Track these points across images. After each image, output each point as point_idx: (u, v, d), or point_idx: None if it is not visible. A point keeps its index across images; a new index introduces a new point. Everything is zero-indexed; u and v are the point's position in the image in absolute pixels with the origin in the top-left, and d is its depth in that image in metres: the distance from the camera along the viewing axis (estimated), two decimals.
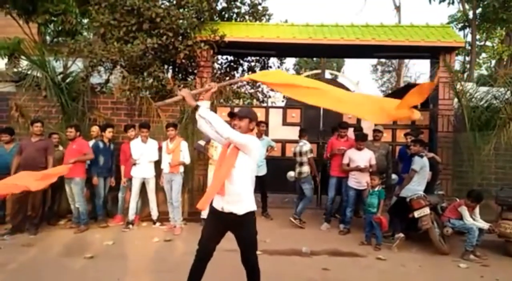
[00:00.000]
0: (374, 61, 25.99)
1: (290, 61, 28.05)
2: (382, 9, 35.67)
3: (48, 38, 10.34)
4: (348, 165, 6.38)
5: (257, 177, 6.49)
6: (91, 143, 6.64)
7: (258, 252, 4.78)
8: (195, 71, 8.46)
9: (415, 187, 5.67)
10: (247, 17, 10.28)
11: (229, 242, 3.43)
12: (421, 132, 7.45)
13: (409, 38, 7.85)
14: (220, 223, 3.26)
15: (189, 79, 8.62)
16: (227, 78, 9.73)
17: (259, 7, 10.48)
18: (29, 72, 7.55)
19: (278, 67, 11.30)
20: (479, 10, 15.05)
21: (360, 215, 6.74)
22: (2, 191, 4.30)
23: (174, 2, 8.05)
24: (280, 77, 3.55)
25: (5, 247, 5.30)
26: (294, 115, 8.28)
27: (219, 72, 9.97)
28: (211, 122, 3.03)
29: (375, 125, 7.62)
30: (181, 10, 7.71)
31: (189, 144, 6.65)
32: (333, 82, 9.15)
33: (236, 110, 3.71)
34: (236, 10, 10.08)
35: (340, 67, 26.73)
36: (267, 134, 7.47)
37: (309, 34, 8.08)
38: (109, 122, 7.31)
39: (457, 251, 5.43)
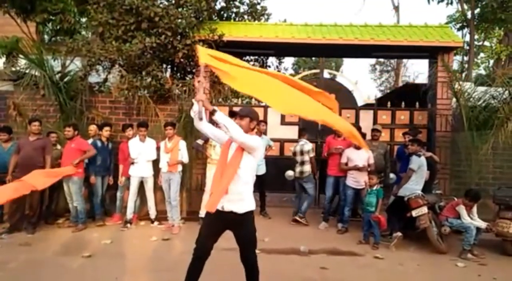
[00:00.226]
0: (372, 60, 26.07)
1: (288, 61, 28.10)
2: (380, 9, 35.65)
3: (46, 37, 10.31)
4: (346, 164, 6.38)
5: (256, 177, 6.49)
6: (89, 142, 6.62)
7: (256, 251, 4.81)
8: (194, 71, 8.46)
9: (413, 186, 5.68)
10: (246, 16, 10.30)
11: (227, 241, 3.44)
12: (419, 131, 7.47)
13: (408, 38, 7.86)
14: (219, 222, 3.26)
15: (187, 78, 8.61)
16: None
17: (258, 7, 10.50)
18: (27, 71, 7.54)
19: (277, 66, 11.31)
20: (477, 10, 15.08)
21: (359, 217, 6.74)
22: (12, 195, 4.16)
23: (173, 1, 8.05)
24: (231, 62, 3.47)
25: (3, 246, 5.29)
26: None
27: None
28: (227, 126, 3.06)
29: (374, 124, 7.66)
30: (179, 10, 7.71)
31: (187, 143, 6.65)
32: (331, 81, 9.16)
33: (235, 109, 3.71)
34: (235, 10, 10.09)
35: (339, 66, 26.78)
36: (265, 134, 7.48)
37: (308, 34, 8.09)
38: (106, 121, 7.31)
39: (454, 250, 5.44)
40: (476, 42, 16.83)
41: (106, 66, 8.51)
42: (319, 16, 45.08)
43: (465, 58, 17.48)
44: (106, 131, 6.79)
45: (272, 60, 11.16)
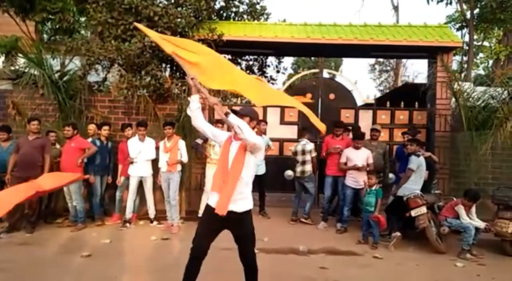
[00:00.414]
0: (372, 60, 26.06)
1: (288, 60, 28.08)
2: (380, 9, 35.73)
3: (45, 36, 10.30)
4: (345, 164, 6.38)
5: (256, 176, 6.50)
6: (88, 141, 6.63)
7: (255, 251, 4.81)
8: None
9: (412, 186, 5.69)
10: (245, 16, 10.29)
11: (227, 241, 3.44)
12: (419, 131, 7.47)
13: (407, 38, 7.87)
14: (217, 222, 3.24)
15: (186, 78, 8.59)
16: None
17: (257, 6, 10.49)
18: (26, 70, 7.53)
19: (276, 66, 11.31)
20: (476, 11, 15.11)
21: (359, 218, 6.74)
22: (19, 199, 4.05)
23: (172, 0, 8.04)
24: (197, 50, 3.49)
25: (2, 245, 5.29)
26: (292, 114, 8.28)
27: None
28: (241, 128, 3.06)
29: (373, 124, 7.66)
30: (179, 9, 7.70)
31: (187, 143, 6.65)
32: (331, 81, 9.16)
33: (234, 108, 3.71)
34: (234, 9, 10.08)
35: (338, 66, 26.77)
36: (265, 133, 7.48)
37: (307, 34, 8.09)
38: (105, 120, 7.30)
39: (453, 250, 5.45)
40: (475, 42, 16.86)
41: (105, 66, 8.50)
42: (318, 16, 45.13)
43: (465, 58, 17.51)
44: (105, 131, 6.79)
45: (271, 60, 11.16)
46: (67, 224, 6.33)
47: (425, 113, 8.20)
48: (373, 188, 5.80)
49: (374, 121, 8.06)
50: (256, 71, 11.00)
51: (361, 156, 6.28)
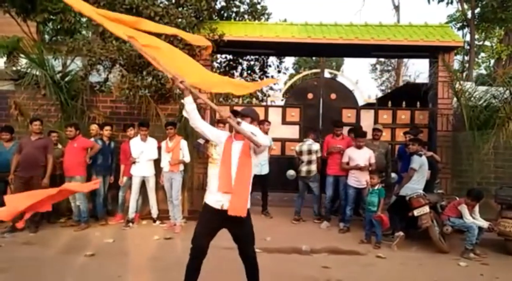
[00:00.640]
0: (373, 60, 26.03)
1: (289, 60, 28.00)
2: (381, 9, 35.68)
3: (46, 36, 10.30)
4: (347, 163, 6.38)
5: (259, 176, 6.58)
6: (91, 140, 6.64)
7: (258, 250, 4.80)
8: None
9: (415, 186, 5.69)
10: (246, 16, 10.30)
11: (228, 241, 3.46)
12: (421, 131, 7.47)
13: (408, 38, 7.86)
14: (216, 221, 3.27)
15: (174, 82, 8.59)
16: (226, 77, 9.72)
17: (258, 6, 10.50)
18: (28, 71, 7.54)
19: (277, 66, 11.33)
20: (477, 10, 15.10)
21: (360, 216, 6.74)
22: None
23: (173, 1, 8.04)
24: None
25: (6, 245, 5.30)
26: (294, 114, 8.28)
27: (218, 71, 9.97)
28: (255, 133, 3.14)
29: (375, 124, 7.66)
30: (180, 9, 7.70)
31: (189, 143, 6.65)
32: (332, 81, 9.16)
33: (236, 108, 3.72)
34: (235, 9, 10.09)
35: (339, 66, 26.74)
36: (267, 133, 7.48)
37: (308, 33, 8.09)
38: (107, 121, 7.31)
39: (457, 249, 5.45)
40: (476, 42, 16.84)
41: (107, 66, 8.50)
42: (319, 15, 45.15)
43: (466, 58, 17.50)
44: (106, 131, 6.80)
45: (272, 60, 11.19)
46: (70, 224, 6.34)
47: (427, 113, 8.19)
48: (376, 187, 5.80)
49: (375, 121, 8.05)
50: (257, 71, 11.03)
51: (363, 156, 6.28)
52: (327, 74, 8.89)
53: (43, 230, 5.99)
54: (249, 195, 3.31)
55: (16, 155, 6.02)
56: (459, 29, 16.69)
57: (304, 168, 6.79)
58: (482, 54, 19.32)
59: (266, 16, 10.64)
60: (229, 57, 10.60)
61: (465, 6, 15.71)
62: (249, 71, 10.98)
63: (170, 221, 6.39)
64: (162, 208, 6.69)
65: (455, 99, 7.66)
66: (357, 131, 6.59)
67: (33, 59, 7.38)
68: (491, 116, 6.96)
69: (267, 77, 11.15)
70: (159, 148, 6.54)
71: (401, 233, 5.60)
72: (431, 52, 8.09)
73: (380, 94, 17.28)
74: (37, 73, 7.33)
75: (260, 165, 6.88)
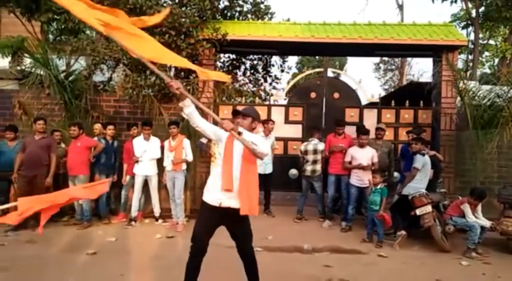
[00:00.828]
0: (376, 59, 25.93)
1: (292, 60, 28.02)
2: (384, 8, 35.60)
3: (51, 36, 10.38)
4: (350, 163, 6.37)
5: (263, 175, 6.60)
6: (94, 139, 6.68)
7: (259, 249, 4.83)
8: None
9: (417, 185, 5.68)
10: (249, 15, 10.30)
11: (229, 239, 3.48)
12: (424, 130, 7.43)
13: (412, 37, 7.83)
14: (215, 219, 3.31)
15: (191, 78, 8.63)
16: (229, 76, 9.73)
17: (261, 6, 10.50)
18: (32, 70, 7.60)
19: (281, 65, 11.32)
20: (482, 9, 15.01)
21: (363, 215, 6.73)
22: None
23: (177, 0, 8.06)
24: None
25: (9, 243, 5.34)
26: (297, 113, 8.28)
27: (221, 70, 9.99)
28: (256, 143, 3.19)
29: (378, 123, 7.65)
30: (183, 9, 7.72)
31: (191, 142, 6.67)
32: (335, 80, 9.16)
33: (238, 108, 3.73)
34: (238, 9, 10.09)
35: (343, 65, 26.70)
36: (270, 132, 7.48)
37: (312, 33, 8.08)
38: (110, 120, 7.34)
39: (459, 248, 5.43)
40: (480, 41, 16.75)
41: (111, 65, 8.55)
42: (322, 15, 45.00)
43: (470, 57, 17.42)
44: (109, 130, 6.84)
45: (275, 59, 11.18)
46: (73, 222, 6.38)
47: (430, 112, 8.15)
48: (378, 187, 5.79)
49: (379, 120, 8.03)
50: (260, 70, 11.03)
51: (366, 155, 6.27)
52: (330, 73, 8.90)
53: (46, 228, 5.89)
54: (258, 193, 3.34)
55: (19, 154, 6.07)
56: (463, 28, 16.61)
57: (309, 168, 6.78)
58: (486, 53, 19.21)
59: (269, 16, 10.64)
60: (232, 56, 10.61)
61: (469, 5, 15.61)
62: (252, 71, 11.00)
63: (173, 220, 6.42)
64: (165, 207, 6.72)
65: (458, 98, 7.63)
66: (360, 129, 6.58)
67: (37, 59, 7.44)
68: (495, 115, 6.93)
69: (270, 76, 11.16)
70: (162, 148, 6.56)
71: (403, 232, 5.59)
72: (435, 51, 8.06)
73: (383, 93, 17.29)
74: (41, 72, 7.39)
75: (264, 164, 6.90)
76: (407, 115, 8.18)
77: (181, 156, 6.33)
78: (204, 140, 6.52)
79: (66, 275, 4.24)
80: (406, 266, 4.85)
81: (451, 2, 15.18)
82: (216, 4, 8.63)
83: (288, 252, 5.23)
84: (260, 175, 6.47)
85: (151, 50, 3.29)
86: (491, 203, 6.22)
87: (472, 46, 15.58)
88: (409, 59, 21.67)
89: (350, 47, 8.28)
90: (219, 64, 10.28)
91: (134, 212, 6.44)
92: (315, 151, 6.74)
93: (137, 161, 6.44)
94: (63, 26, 9.13)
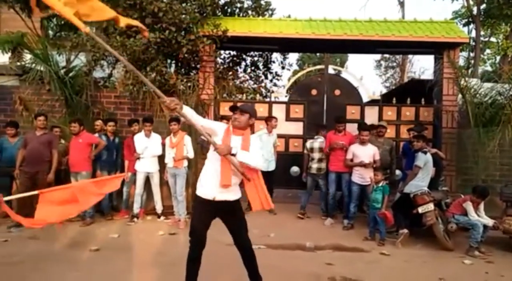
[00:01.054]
0: (377, 56, 25.84)
1: (293, 56, 27.92)
2: (385, 5, 35.50)
3: (50, 32, 10.35)
4: (351, 160, 6.36)
5: (266, 173, 6.55)
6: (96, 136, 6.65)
7: (262, 246, 4.83)
8: (198, 66, 8.45)
9: (419, 183, 5.66)
10: (250, 12, 10.27)
11: (229, 237, 3.52)
12: (425, 128, 7.43)
13: (413, 34, 7.82)
14: (209, 211, 3.40)
15: (191, 74, 8.60)
16: (230, 73, 9.72)
17: (262, 2, 10.47)
18: (32, 66, 7.57)
19: (281, 62, 11.29)
20: (483, 6, 14.99)
21: (365, 213, 6.73)
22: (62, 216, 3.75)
23: None
24: None
25: (12, 239, 5.34)
26: (298, 110, 8.26)
27: (222, 67, 9.96)
28: (249, 163, 3.25)
29: (379, 120, 7.63)
30: (183, 5, 7.68)
31: (193, 139, 6.65)
32: (336, 77, 9.14)
33: (236, 105, 3.72)
34: (238, 5, 10.06)
35: (344, 62, 26.68)
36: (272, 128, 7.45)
37: (312, 29, 8.05)
38: (110, 116, 7.32)
39: (461, 247, 5.42)
40: (482, 38, 16.75)
41: (111, 61, 8.52)
42: (323, 11, 44.90)
43: (471, 54, 17.41)
44: (110, 126, 6.81)
45: (276, 56, 11.15)
46: (76, 219, 6.34)
47: (432, 110, 8.15)
48: (380, 184, 5.78)
49: (380, 118, 8.02)
50: (261, 67, 11.00)
51: (367, 153, 6.26)
52: (331, 70, 8.87)
53: (49, 225, 6.00)
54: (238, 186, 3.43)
55: (21, 150, 6.05)
56: (464, 25, 16.60)
57: (314, 165, 6.78)
58: (488, 51, 19.21)
59: (270, 12, 10.61)
60: (233, 53, 10.58)
61: (471, 2, 15.59)
62: (252, 67, 10.96)
63: (175, 216, 6.41)
64: (167, 204, 6.71)
65: (460, 95, 7.62)
66: (361, 125, 6.56)
67: (38, 55, 7.40)
68: (496, 113, 6.91)
69: (271, 73, 11.13)
70: (164, 144, 6.54)
71: (405, 230, 5.59)
72: (436, 49, 8.04)
73: (384, 91, 17.27)
74: (42, 68, 7.35)
75: (268, 162, 6.89)
76: (408, 112, 8.17)
77: (182, 153, 6.31)
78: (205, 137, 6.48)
79: (70, 271, 4.23)
80: (408, 265, 4.85)
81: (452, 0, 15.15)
82: (217, 0, 8.59)
83: (290, 250, 5.22)
84: (263, 172, 6.51)
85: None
86: (493, 202, 6.23)
87: (474, 44, 15.58)
88: (410, 56, 21.62)
89: (351, 44, 8.26)
90: (219, 60, 10.25)
91: (136, 209, 6.43)
92: (321, 149, 6.73)
93: (138, 158, 6.42)
94: (62, 22, 9.11)
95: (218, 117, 7.46)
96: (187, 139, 6.45)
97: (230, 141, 3.33)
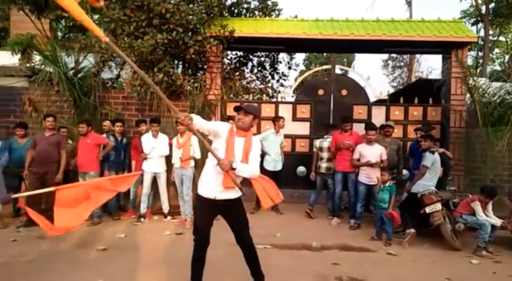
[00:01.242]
0: (385, 56, 25.73)
1: (300, 57, 27.89)
2: (393, 4, 35.27)
3: (59, 33, 10.45)
4: (358, 160, 6.34)
5: (272, 172, 6.60)
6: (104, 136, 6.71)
7: (268, 246, 4.83)
8: (205, 67, 8.50)
9: (427, 183, 5.63)
10: (256, 12, 10.29)
11: (233, 237, 3.55)
12: (433, 127, 7.39)
13: (421, 33, 7.78)
14: (212, 209, 3.45)
15: (198, 74, 8.65)
16: (236, 73, 9.74)
17: (269, 2, 10.47)
18: (41, 68, 7.65)
19: (288, 62, 11.29)
20: (492, 5, 14.83)
21: (371, 213, 6.71)
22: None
23: None
24: None
25: (21, 239, 5.40)
26: (304, 110, 8.27)
27: (228, 67, 9.99)
28: (247, 176, 3.35)
29: (386, 120, 7.60)
30: (190, 6, 7.73)
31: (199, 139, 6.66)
32: (343, 77, 9.12)
33: (240, 105, 3.74)
34: (245, 6, 10.09)
35: (351, 62, 26.56)
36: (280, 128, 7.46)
37: (319, 29, 8.05)
38: (118, 117, 7.38)
39: (469, 247, 5.38)
40: (491, 37, 16.56)
41: (119, 62, 8.59)
42: (330, 11, 44.77)
43: (480, 54, 17.22)
44: (118, 127, 6.87)
45: (283, 56, 11.15)
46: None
47: (440, 109, 8.10)
48: (387, 184, 5.76)
49: (387, 118, 7.99)
50: (267, 67, 11.01)
51: (374, 152, 6.23)
52: (338, 70, 8.85)
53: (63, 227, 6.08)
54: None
55: (30, 151, 6.12)
56: (473, 24, 16.42)
57: (324, 165, 6.79)
58: (497, 50, 19.00)
59: (276, 12, 10.61)
60: (240, 53, 10.60)
61: (479, 1, 15.45)
62: (259, 68, 10.98)
63: (181, 216, 6.44)
64: (173, 204, 6.75)
65: (468, 95, 7.56)
66: (368, 125, 6.54)
67: (47, 56, 7.49)
68: (505, 113, 6.86)
69: (277, 73, 11.14)
70: (171, 145, 6.58)
71: (412, 230, 5.55)
72: (444, 48, 8.00)
73: (392, 90, 17.15)
74: (51, 70, 7.44)
75: (274, 161, 6.90)
76: (416, 112, 8.13)
77: (189, 153, 6.34)
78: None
79: (77, 271, 4.28)
80: (415, 264, 4.82)
81: None
82: (223, 1, 8.64)
83: (297, 250, 5.22)
84: (270, 172, 6.53)
85: None
86: (501, 201, 6.17)
87: (482, 43, 15.42)
88: (418, 56, 21.46)
89: (358, 44, 8.24)
90: (226, 61, 10.28)
91: (143, 209, 6.47)
92: (330, 149, 6.73)
93: (145, 158, 6.47)
94: (71, 24, 9.19)
95: (225, 118, 7.49)
96: (194, 140, 6.47)
97: (234, 143, 3.36)
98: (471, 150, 7.56)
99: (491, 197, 5.41)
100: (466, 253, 5.25)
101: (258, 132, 7.82)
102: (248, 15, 10.08)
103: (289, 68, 11.39)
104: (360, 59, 36.95)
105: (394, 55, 24.36)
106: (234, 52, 10.48)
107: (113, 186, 3.72)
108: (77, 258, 4.64)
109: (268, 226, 5.90)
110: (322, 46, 8.81)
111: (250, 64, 10.87)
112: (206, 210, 3.44)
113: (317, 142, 7.01)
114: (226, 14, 9.24)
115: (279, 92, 9.92)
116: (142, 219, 6.41)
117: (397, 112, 8.12)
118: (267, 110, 8.25)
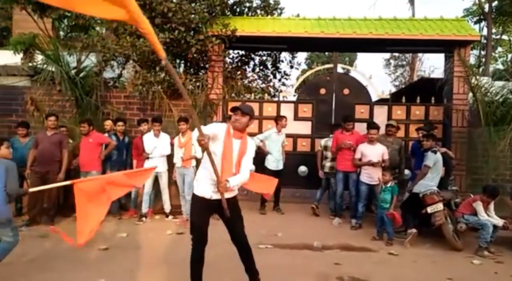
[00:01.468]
0: (387, 55, 25.63)
1: (301, 55, 27.83)
2: (395, 3, 35.10)
3: (62, 33, 10.48)
4: (360, 159, 6.32)
5: (274, 172, 6.59)
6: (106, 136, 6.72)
7: (269, 246, 4.83)
8: (207, 66, 8.49)
9: (428, 183, 5.61)
10: (258, 11, 10.28)
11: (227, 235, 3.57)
12: (435, 127, 7.36)
13: (423, 32, 7.75)
14: (207, 207, 3.47)
15: (200, 74, 8.65)
16: (238, 72, 9.74)
17: (271, 1, 10.48)
18: (44, 67, 7.66)
19: (290, 61, 11.28)
20: (495, 3, 14.76)
21: (373, 213, 6.70)
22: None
23: None
24: None
25: (22, 238, 5.33)
26: (306, 109, 8.25)
27: (230, 66, 9.99)
28: (240, 185, 3.52)
29: (388, 120, 7.58)
30: (192, 5, 7.73)
31: None
32: (345, 76, 9.09)
33: (236, 106, 3.74)
34: (247, 4, 10.09)
35: (353, 61, 26.46)
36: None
37: (321, 28, 8.03)
38: (120, 116, 7.39)
39: (471, 247, 5.37)
40: (493, 36, 16.49)
41: (121, 62, 8.61)
42: (332, 10, 44.67)
43: (483, 53, 17.15)
44: (119, 126, 6.87)
45: (285, 55, 11.14)
46: None
47: (442, 109, 8.07)
48: (389, 184, 5.74)
49: (389, 117, 7.97)
50: (269, 66, 11.00)
51: (376, 152, 6.22)
52: (340, 69, 8.81)
53: (58, 224, 6.10)
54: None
55: (32, 150, 6.14)
56: (475, 23, 16.35)
57: (328, 164, 6.82)
58: (499, 49, 18.91)
59: (278, 11, 10.61)
60: (241, 52, 10.59)
61: (482, 0, 15.37)
62: (261, 67, 10.97)
63: (183, 216, 6.45)
64: (175, 203, 6.76)
65: (470, 94, 7.53)
66: (369, 124, 6.52)
67: (49, 55, 7.50)
68: (507, 112, 6.84)
69: (279, 72, 11.13)
70: (172, 144, 6.59)
71: (413, 230, 5.54)
72: (447, 47, 7.96)
73: (394, 90, 17.08)
74: (53, 69, 7.45)
75: (276, 161, 6.90)
76: (418, 111, 8.10)
77: (190, 153, 6.34)
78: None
79: (78, 270, 4.29)
80: (416, 264, 4.81)
81: None
82: (226, 0, 8.61)
83: (298, 249, 5.21)
84: (272, 171, 6.53)
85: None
86: (503, 201, 6.16)
87: (485, 42, 15.35)
88: (420, 54, 21.37)
89: (360, 43, 8.21)
90: (228, 60, 10.27)
91: (144, 208, 6.48)
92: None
93: (147, 158, 6.48)
94: (73, 23, 9.22)
95: (227, 117, 7.47)
96: (195, 139, 6.47)
97: (231, 145, 3.40)
98: (473, 149, 7.54)
99: (493, 197, 5.39)
100: (468, 253, 5.24)
101: (260, 131, 7.82)
102: (250, 14, 10.07)
103: (291, 67, 11.38)
104: (362, 58, 36.68)
105: (396, 54, 24.26)
106: (236, 51, 10.47)
107: (129, 180, 3.72)
108: (79, 257, 4.64)
109: (269, 226, 5.90)
110: (324, 45, 8.78)
111: (252, 63, 10.86)
112: (203, 209, 3.47)
113: (322, 141, 7.05)
114: (228, 13, 9.23)
115: (281, 91, 9.91)
116: (143, 219, 6.42)
117: (399, 112, 8.10)
118: (269, 109, 8.24)
